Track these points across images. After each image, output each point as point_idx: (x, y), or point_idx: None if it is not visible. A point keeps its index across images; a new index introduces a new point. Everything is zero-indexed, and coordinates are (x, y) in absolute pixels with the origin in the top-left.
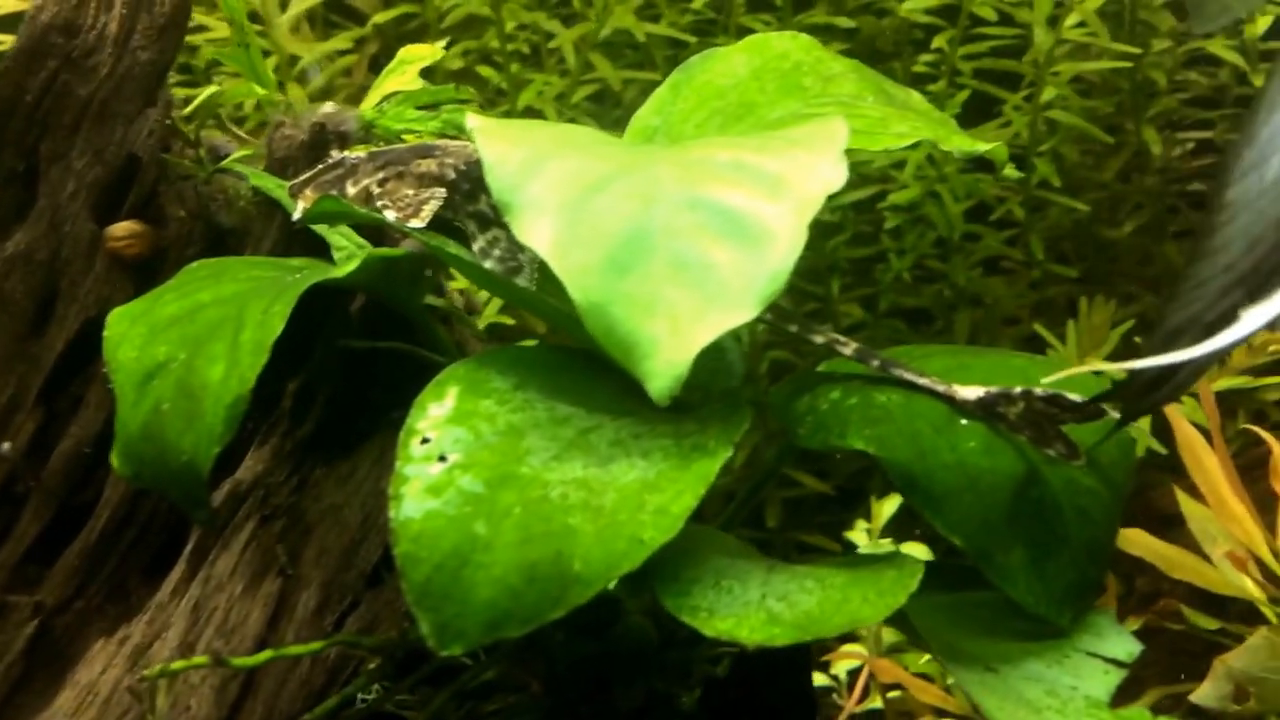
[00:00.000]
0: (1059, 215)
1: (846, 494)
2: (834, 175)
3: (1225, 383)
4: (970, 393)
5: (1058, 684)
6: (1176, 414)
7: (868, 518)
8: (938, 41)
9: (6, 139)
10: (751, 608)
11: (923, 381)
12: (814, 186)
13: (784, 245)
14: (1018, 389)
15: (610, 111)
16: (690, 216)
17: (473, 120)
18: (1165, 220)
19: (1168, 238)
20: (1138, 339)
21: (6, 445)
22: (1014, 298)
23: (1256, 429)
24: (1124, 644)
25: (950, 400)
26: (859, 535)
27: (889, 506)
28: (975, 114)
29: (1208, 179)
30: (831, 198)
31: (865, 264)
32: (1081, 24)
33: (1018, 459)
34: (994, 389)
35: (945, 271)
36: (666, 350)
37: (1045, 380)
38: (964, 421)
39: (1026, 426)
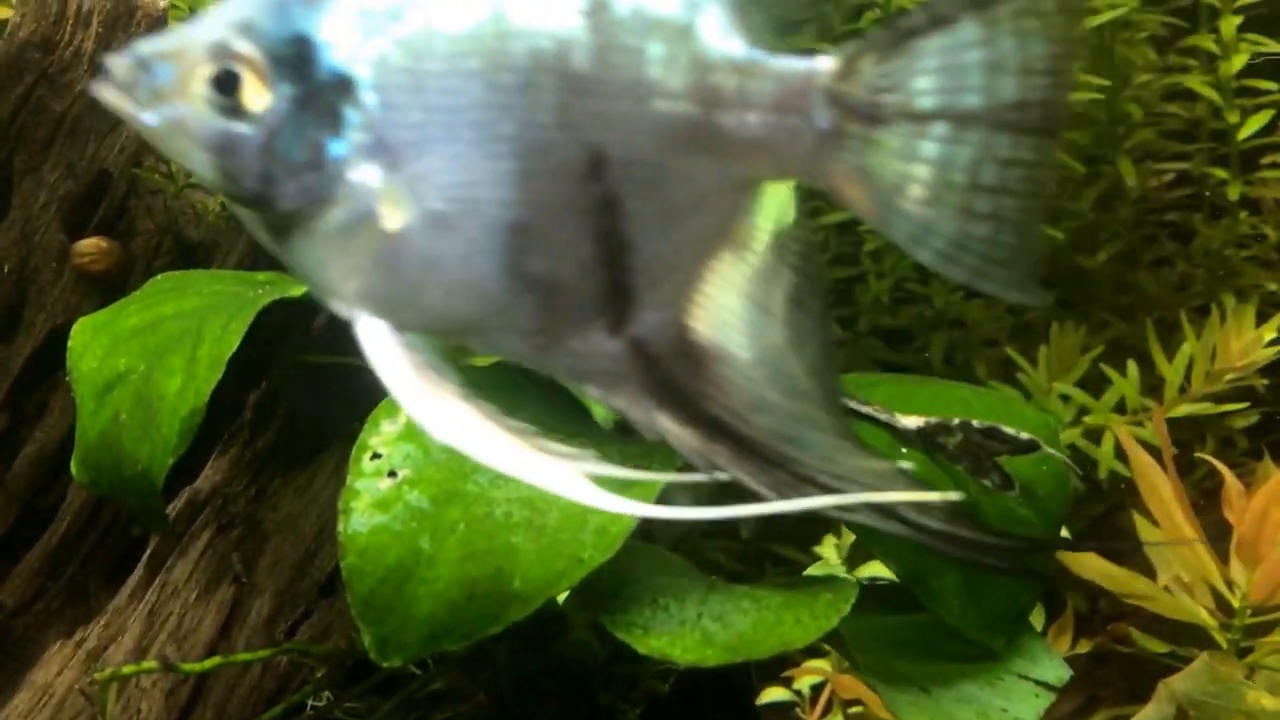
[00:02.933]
0: None
1: None
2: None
3: (1185, 409)
4: (911, 422)
5: (989, 706)
6: (1131, 440)
7: (838, 533)
8: None
9: None
10: (687, 627)
11: (866, 409)
12: None
13: None
14: (956, 420)
15: None
16: None
17: None
18: (1140, 249)
19: (1143, 266)
20: (1103, 365)
21: None
22: (992, 320)
23: (1208, 458)
24: (1055, 668)
25: (892, 428)
26: (828, 550)
27: None
28: None
29: (1184, 210)
30: (813, 218)
31: (846, 284)
32: None
33: (955, 488)
34: (933, 419)
35: (925, 294)
36: None
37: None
38: (904, 450)
39: (964, 456)
